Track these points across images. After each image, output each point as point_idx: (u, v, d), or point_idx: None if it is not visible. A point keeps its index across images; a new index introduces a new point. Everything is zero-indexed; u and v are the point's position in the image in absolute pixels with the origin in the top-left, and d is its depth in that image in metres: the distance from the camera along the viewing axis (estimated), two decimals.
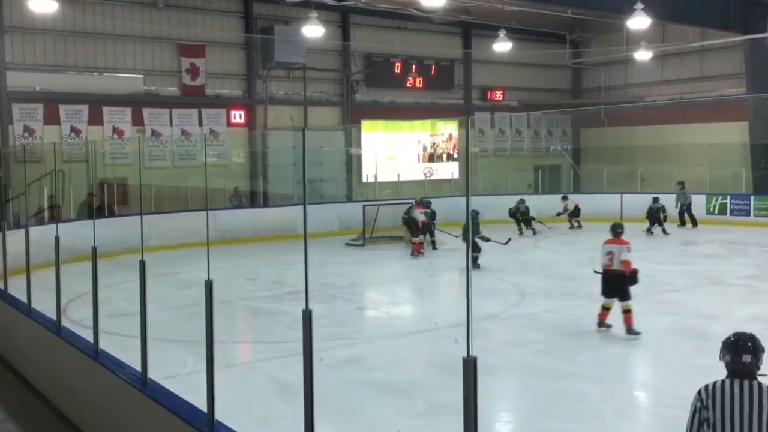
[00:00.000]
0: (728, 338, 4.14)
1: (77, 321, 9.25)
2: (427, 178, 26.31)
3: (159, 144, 21.61)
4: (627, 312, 9.90)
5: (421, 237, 17.79)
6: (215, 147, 22.72)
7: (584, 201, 24.50)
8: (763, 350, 4.01)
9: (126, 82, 20.98)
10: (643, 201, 22.79)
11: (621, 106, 26.86)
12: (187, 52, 22.10)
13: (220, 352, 9.01)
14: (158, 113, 21.69)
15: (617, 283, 9.93)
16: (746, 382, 3.89)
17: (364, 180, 24.82)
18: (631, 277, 9.96)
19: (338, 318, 11.29)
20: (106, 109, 20.84)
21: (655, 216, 20.83)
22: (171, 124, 21.86)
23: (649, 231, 20.64)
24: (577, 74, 30.38)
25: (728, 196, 22.73)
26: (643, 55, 25.03)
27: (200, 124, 22.28)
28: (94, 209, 16.67)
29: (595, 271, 10.52)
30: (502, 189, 25.18)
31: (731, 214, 22.51)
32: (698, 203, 22.94)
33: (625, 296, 9.93)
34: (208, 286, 5.09)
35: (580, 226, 22.40)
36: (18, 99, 19.54)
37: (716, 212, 22.75)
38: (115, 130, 21.01)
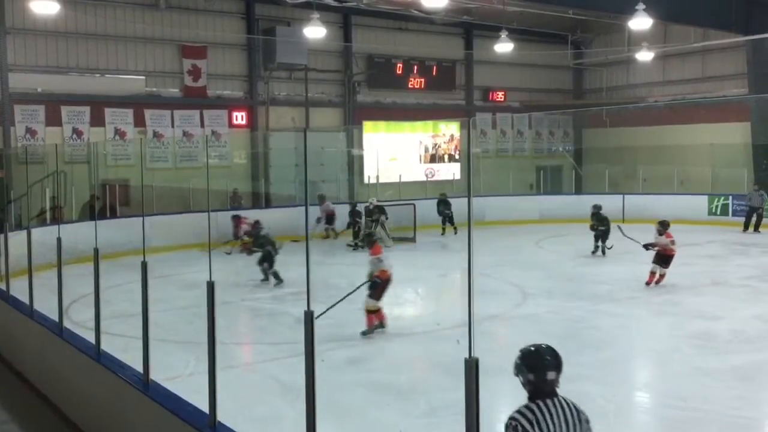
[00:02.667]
0: (527, 352, 3.68)
1: (79, 322, 9.25)
2: (429, 179, 26.30)
3: (161, 145, 21.63)
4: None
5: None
6: (217, 148, 22.72)
7: (586, 202, 24.47)
8: (561, 363, 3.67)
9: (128, 83, 21.01)
10: (645, 202, 22.79)
11: (623, 107, 26.83)
12: (188, 53, 22.12)
13: (222, 353, 9.01)
14: (160, 114, 21.71)
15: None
16: (557, 402, 3.55)
17: (365, 181, 24.81)
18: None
19: (340, 319, 11.27)
20: (107, 111, 20.87)
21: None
22: (173, 126, 21.88)
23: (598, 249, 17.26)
24: (579, 75, 30.38)
25: (730, 197, 22.69)
26: (644, 56, 25.01)
27: (202, 126, 22.30)
28: (96, 210, 16.68)
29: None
30: (504, 190, 25.17)
31: (733, 215, 22.47)
32: (700, 204, 22.93)
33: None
34: (210, 287, 5.10)
35: (335, 236, 19.94)
36: (20, 100, 19.58)
37: (718, 213, 22.72)
38: (117, 131, 21.03)
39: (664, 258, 13.42)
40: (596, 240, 17.15)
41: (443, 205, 21.11)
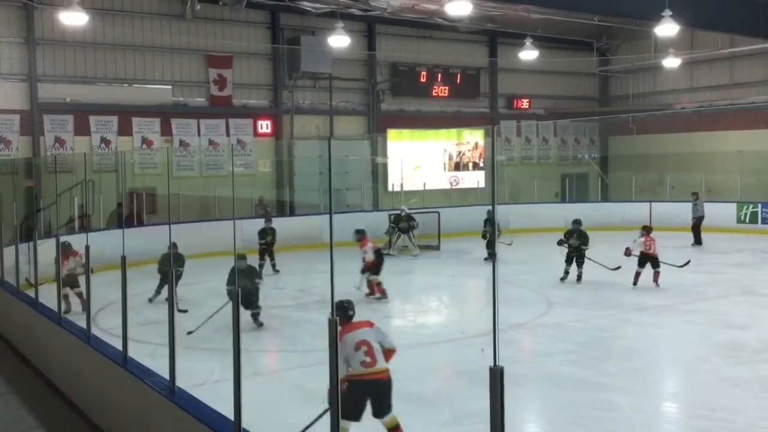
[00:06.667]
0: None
1: (107, 329, 9.35)
2: (453, 187, 26.26)
3: (187, 154, 21.83)
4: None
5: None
6: (242, 156, 22.89)
7: (612, 210, 24.29)
8: None
9: (155, 93, 21.27)
10: (673, 209, 22.55)
11: (649, 114, 26.59)
12: (214, 63, 22.33)
13: (247, 361, 9.04)
14: (186, 123, 21.92)
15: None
16: None
17: (389, 189, 24.85)
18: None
19: None
20: (135, 120, 21.12)
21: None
22: (199, 135, 22.08)
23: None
24: (605, 82, 30.20)
25: (759, 205, 22.40)
26: (671, 62, 24.79)
27: (227, 134, 22.47)
28: (123, 219, 16.87)
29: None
30: (529, 198, 25.06)
31: (762, 222, 22.20)
32: (729, 211, 22.64)
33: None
34: (235, 294, 5.13)
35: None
36: (49, 110, 19.90)
37: (747, 221, 22.44)
38: (144, 140, 21.27)
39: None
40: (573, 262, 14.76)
41: (489, 225, 17.74)
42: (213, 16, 22.29)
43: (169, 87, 21.49)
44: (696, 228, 20.40)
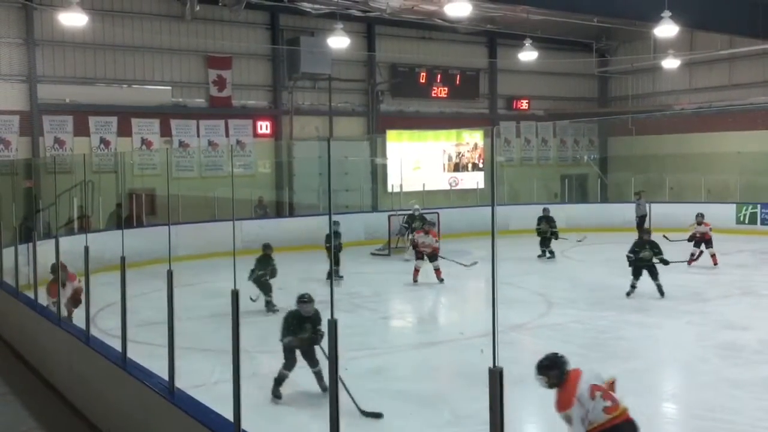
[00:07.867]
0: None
1: (106, 330, 9.34)
2: (453, 188, 26.26)
3: (186, 155, 21.83)
4: None
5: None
6: (241, 157, 22.88)
7: (611, 210, 24.30)
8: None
9: (154, 93, 21.27)
10: (672, 210, 22.57)
11: (649, 115, 26.59)
12: (214, 63, 22.32)
13: (247, 362, 9.02)
14: (186, 124, 21.92)
15: None
16: None
17: (389, 190, 24.83)
18: None
19: (364, 328, 11.28)
20: (134, 121, 21.12)
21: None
22: (198, 135, 22.07)
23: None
24: (604, 83, 30.20)
25: (758, 206, 22.40)
26: (670, 63, 24.79)
27: (227, 135, 22.47)
28: (123, 219, 16.84)
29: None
30: (529, 198, 25.06)
31: (762, 223, 22.20)
32: (728, 212, 22.63)
33: None
34: (234, 295, 5.12)
35: None
36: (48, 111, 19.89)
37: (746, 221, 22.43)
38: (143, 141, 21.27)
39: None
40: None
41: (545, 223, 18.66)
42: (212, 17, 22.29)
43: (169, 88, 21.49)
44: (640, 226, 20.73)
